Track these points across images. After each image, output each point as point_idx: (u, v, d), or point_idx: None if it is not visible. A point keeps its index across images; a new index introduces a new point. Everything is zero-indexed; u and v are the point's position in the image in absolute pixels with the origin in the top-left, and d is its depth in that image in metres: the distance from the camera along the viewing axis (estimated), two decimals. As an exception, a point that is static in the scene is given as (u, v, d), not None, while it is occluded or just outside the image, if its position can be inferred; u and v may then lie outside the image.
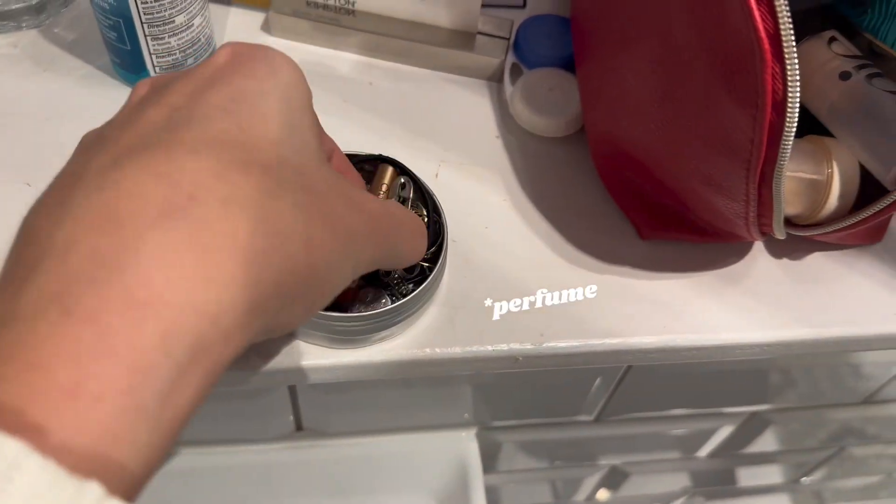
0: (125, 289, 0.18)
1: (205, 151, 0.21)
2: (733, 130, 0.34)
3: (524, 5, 0.55)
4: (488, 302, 0.42)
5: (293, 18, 0.51)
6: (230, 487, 0.60)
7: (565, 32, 0.50)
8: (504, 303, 0.42)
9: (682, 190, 0.41)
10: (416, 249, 0.32)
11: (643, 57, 0.39)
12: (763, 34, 0.30)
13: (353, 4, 0.51)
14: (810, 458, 0.95)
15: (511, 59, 0.51)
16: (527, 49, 0.50)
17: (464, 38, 0.51)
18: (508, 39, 0.51)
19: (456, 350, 0.41)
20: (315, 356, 0.40)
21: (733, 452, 0.81)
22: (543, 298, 0.43)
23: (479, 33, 0.51)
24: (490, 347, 0.41)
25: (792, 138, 0.33)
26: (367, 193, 0.28)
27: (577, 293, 0.43)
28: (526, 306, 0.42)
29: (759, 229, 0.40)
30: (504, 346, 0.41)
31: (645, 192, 0.44)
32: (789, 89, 0.31)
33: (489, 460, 0.69)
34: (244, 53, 0.25)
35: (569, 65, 0.49)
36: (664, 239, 0.45)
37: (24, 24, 0.51)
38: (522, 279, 0.43)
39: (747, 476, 0.98)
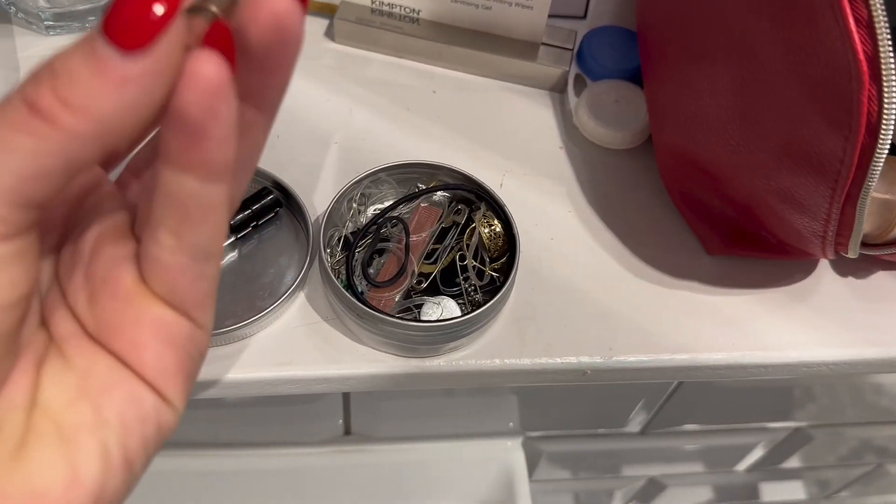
0: None
1: None
2: (822, 151, 0.34)
3: (585, 16, 0.55)
4: (555, 314, 0.42)
5: (358, 25, 0.51)
6: (277, 490, 0.60)
7: (630, 44, 0.50)
8: (571, 315, 0.42)
9: (756, 206, 0.41)
10: None
11: (722, 74, 0.38)
12: (862, 56, 0.30)
13: (418, 13, 0.51)
14: (842, 474, 0.95)
15: (575, 69, 0.51)
16: (591, 60, 0.50)
17: (528, 49, 0.51)
18: (572, 50, 0.51)
19: (525, 362, 0.41)
20: (385, 364, 0.40)
21: (771, 467, 0.80)
22: (611, 312, 0.43)
23: (543, 44, 0.51)
24: (559, 360, 0.41)
25: (883, 161, 0.32)
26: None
27: (644, 307, 0.43)
28: (594, 319, 0.42)
29: (834, 248, 0.39)
30: (573, 360, 0.41)
31: (714, 207, 0.44)
32: (884, 112, 0.31)
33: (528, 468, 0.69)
34: None
35: (634, 77, 0.49)
36: (731, 255, 0.45)
37: (88, 25, 0.52)
38: (589, 292, 0.43)
39: (769, 491, 0.98)
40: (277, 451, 0.59)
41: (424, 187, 0.44)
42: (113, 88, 0.16)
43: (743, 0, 0.37)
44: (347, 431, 0.59)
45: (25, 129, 0.16)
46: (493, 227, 0.41)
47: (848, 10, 0.30)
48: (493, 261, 0.42)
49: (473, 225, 0.42)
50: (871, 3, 0.30)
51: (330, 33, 0.53)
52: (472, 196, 0.43)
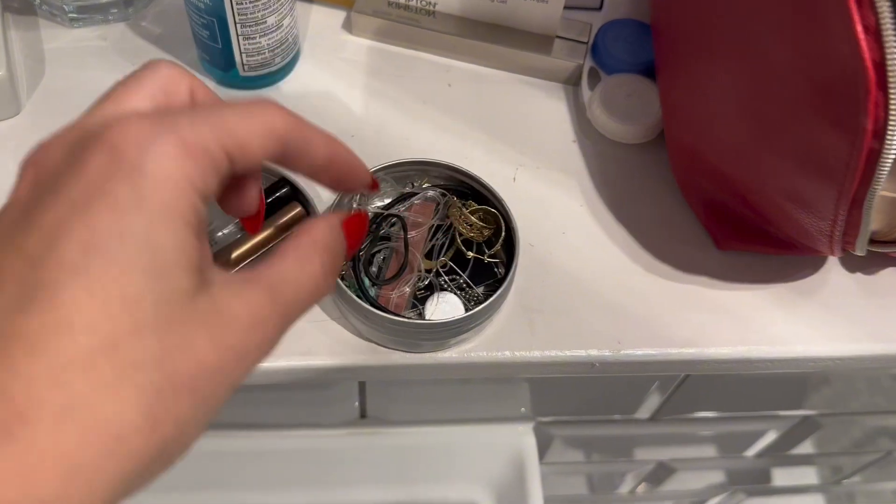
0: None
1: (42, 348, 0.19)
2: (828, 154, 0.34)
3: (601, 8, 0.55)
4: (565, 306, 0.43)
5: (374, 18, 0.52)
6: (293, 471, 0.62)
7: (645, 38, 0.50)
8: (581, 308, 0.43)
9: (764, 204, 0.41)
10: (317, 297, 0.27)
11: (733, 74, 0.39)
12: (869, 63, 0.31)
13: (434, 6, 0.51)
14: (851, 461, 0.96)
15: (589, 63, 0.51)
16: (605, 54, 0.50)
17: (543, 42, 0.51)
18: (587, 43, 0.52)
19: (535, 354, 0.42)
20: (398, 356, 0.41)
21: (780, 453, 0.81)
22: (620, 305, 0.43)
23: (558, 37, 0.51)
24: (568, 353, 0.42)
25: (889, 165, 0.33)
26: (241, 298, 0.23)
27: (653, 301, 0.44)
28: (603, 312, 0.43)
29: (841, 246, 0.40)
30: (582, 353, 0.42)
31: (724, 203, 0.44)
32: (890, 117, 0.31)
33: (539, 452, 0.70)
34: (118, 158, 0.21)
35: (648, 71, 0.49)
36: (741, 250, 0.45)
37: (111, 18, 0.53)
38: (599, 285, 0.44)
39: (782, 476, 0.99)
40: (294, 433, 0.60)
41: (417, 184, 0.44)
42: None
43: (754, 1, 0.37)
44: (363, 415, 0.61)
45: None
46: (475, 216, 0.42)
47: (856, 17, 0.30)
48: (489, 246, 0.42)
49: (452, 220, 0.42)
50: (879, 10, 0.30)
51: (347, 26, 0.53)
52: (467, 190, 0.43)
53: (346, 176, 0.27)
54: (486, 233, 0.42)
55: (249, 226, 0.31)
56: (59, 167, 0.22)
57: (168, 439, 0.20)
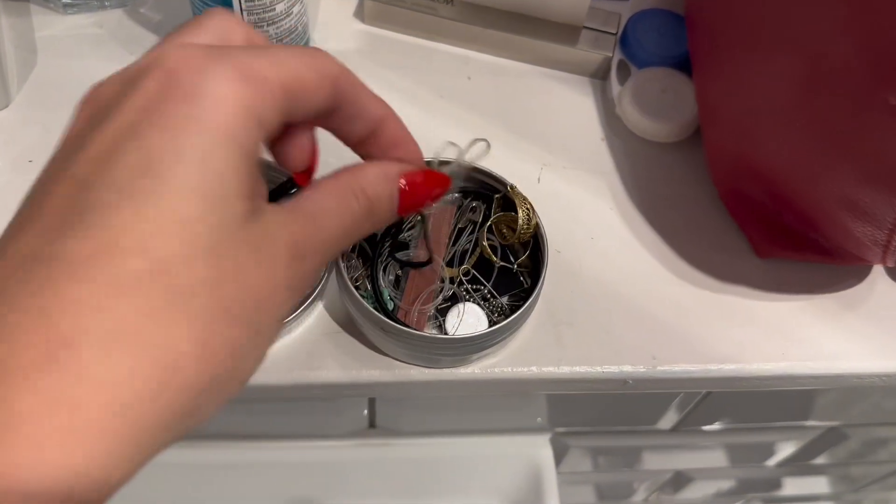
0: None
1: (86, 272, 0.18)
2: (893, 159, 0.31)
3: (628, -3, 0.52)
4: (595, 318, 0.40)
5: (388, 6, 0.48)
6: (300, 481, 0.59)
7: (679, 28, 0.47)
8: (612, 320, 0.40)
9: (814, 211, 0.38)
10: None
11: (785, 71, 0.36)
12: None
13: (453, -7, 0.48)
14: (868, 471, 0.93)
15: (618, 55, 0.48)
16: (636, 46, 0.47)
17: (568, 32, 0.48)
18: (615, 34, 0.48)
19: (563, 370, 0.39)
20: (416, 372, 0.38)
21: (799, 463, 0.78)
22: (654, 317, 0.40)
23: (585, 27, 0.48)
24: (599, 369, 0.39)
25: (965, 170, 0.30)
26: (291, 227, 0.22)
27: (689, 312, 0.41)
28: (636, 325, 0.40)
29: (895, 257, 0.37)
30: (615, 369, 0.39)
31: (766, 207, 0.41)
32: (971, 118, 0.28)
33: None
34: (174, 81, 0.20)
35: (682, 64, 0.46)
36: (782, 258, 0.42)
37: (108, 4, 0.50)
38: (631, 295, 0.41)
39: (794, 485, 0.96)
40: (301, 444, 0.57)
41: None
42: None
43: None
44: (372, 424, 0.58)
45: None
46: (504, 222, 0.39)
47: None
48: (513, 253, 0.39)
49: (489, 223, 0.39)
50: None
51: (359, 14, 0.50)
52: (489, 191, 0.40)
53: (394, 149, 0.26)
54: (523, 237, 0.39)
55: (301, 179, 0.29)
56: (113, 99, 0.21)
57: (223, 371, 0.20)
